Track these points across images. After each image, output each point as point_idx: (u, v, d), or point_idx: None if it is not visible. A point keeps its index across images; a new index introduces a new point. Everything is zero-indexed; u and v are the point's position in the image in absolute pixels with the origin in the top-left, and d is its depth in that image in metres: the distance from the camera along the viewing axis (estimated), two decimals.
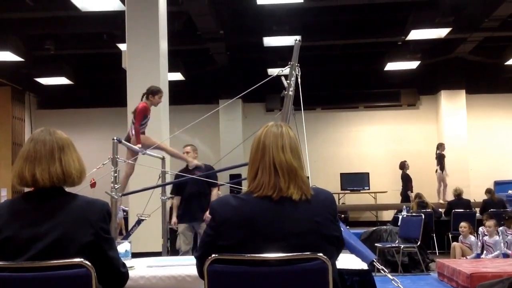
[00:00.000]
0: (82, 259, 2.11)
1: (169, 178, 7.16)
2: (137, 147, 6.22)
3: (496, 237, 8.63)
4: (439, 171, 13.69)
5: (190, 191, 7.40)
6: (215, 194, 7.47)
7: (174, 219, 7.70)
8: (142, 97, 6.60)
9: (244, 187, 2.43)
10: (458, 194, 11.59)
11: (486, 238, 8.72)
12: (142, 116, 6.41)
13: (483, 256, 8.64)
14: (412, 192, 13.22)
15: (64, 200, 2.27)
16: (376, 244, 9.11)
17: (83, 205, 2.27)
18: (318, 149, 15.03)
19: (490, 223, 8.67)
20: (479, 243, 8.94)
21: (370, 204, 15.34)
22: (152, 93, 6.55)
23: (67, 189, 2.34)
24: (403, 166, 13.94)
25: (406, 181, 13.77)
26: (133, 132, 6.49)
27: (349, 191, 15.55)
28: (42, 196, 2.26)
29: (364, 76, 15.75)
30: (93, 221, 2.23)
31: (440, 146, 13.82)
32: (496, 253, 8.48)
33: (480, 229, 9.21)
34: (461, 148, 14.94)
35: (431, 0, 11.56)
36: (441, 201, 13.01)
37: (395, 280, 3.94)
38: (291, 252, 2.09)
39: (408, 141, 15.98)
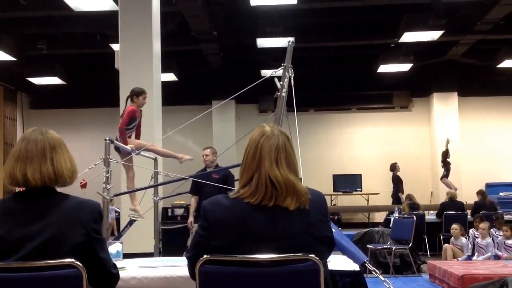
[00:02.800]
0: (73, 260, 2.09)
1: (161, 179, 7.15)
2: (129, 147, 6.20)
3: (489, 239, 8.68)
4: (444, 178, 13.70)
5: (207, 191, 7.16)
6: None
7: (190, 219, 7.74)
8: (127, 100, 6.50)
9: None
10: (450, 197, 11.60)
11: (478, 240, 8.76)
12: (129, 118, 6.33)
13: (474, 257, 8.68)
14: (403, 193, 13.24)
15: (56, 200, 2.26)
16: (368, 246, 9.12)
17: (74, 206, 2.25)
18: (310, 151, 15.04)
19: (485, 225, 8.71)
20: (470, 245, 8.98)
21: (362, 205, 15.35)
22: (136, 94, 6.46)
23: (59, 189, 2.33)
24: (393, 168, 13.95)
25: (397, 182, 13.78)
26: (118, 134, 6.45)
27: (341, 193, 15.58)
28: (33, 196, 2.25)
29: (357, 78, 15.77)
30: (84, 221, 2.22)
31: (446, 154, 13.77)
32: (487, 254, 8.52)
33: (471, 231, 9.25)
34: (453, 150, 14.97)
35: (424, 2, 11.60)
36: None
37: (387, 282, 3.95)
38: (283, 253, 2.09)
39: (401, 143, 16.02)
